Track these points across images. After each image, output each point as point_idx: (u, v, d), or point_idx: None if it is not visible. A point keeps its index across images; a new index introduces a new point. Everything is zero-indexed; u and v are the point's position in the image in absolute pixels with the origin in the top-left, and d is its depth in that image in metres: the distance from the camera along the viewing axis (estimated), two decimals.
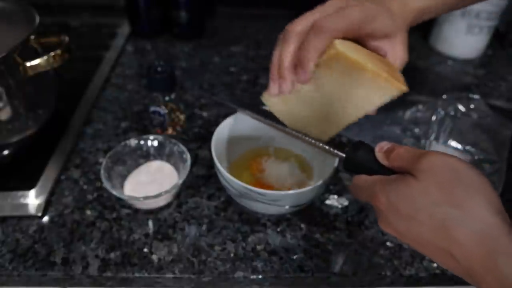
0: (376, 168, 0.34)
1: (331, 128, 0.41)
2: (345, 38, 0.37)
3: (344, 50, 0.35)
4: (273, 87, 0.39)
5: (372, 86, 0.36)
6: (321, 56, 0.36)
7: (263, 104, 0.42)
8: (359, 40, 0.39)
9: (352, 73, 0.36)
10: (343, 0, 0.37)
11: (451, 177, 0.27)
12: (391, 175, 0.31)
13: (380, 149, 0.34)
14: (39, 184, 0.50)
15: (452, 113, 0.62)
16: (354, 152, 0.36)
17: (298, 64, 0.37)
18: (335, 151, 0.38)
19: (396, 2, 0.39)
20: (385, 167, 0.33)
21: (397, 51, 0.39)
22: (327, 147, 0.39)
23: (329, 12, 0.36)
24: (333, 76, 0.37)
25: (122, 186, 0.50)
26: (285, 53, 0.37)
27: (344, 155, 0.37)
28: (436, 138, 0.58)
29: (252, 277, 0.44)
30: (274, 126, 0.44)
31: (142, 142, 0.53)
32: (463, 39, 0.81)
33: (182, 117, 0.60)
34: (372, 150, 0.35)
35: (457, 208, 0.26)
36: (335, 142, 0.40)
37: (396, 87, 0.36)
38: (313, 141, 0.41)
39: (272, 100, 0.42)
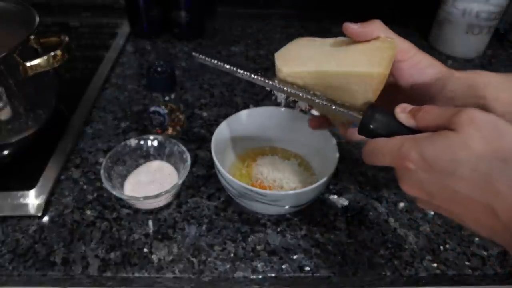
0: (399, 130, 0.32)
1: (301, 65, 0.39)
2: None
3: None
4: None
5: (374, 54, 0.37)
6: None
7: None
8: None
9: (373, 44, 0.38)
10: None
11: (493, 130, 0.27)
12: (419, 134, 0.30)
13: (403, 109, 0.32)
14: (39, 184, 0.50)
15: None
16: (372, 114, 0.34)
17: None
18: (350, 113, 0.36)
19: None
20: (407, 129, 0.32)
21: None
22: (342, 109, 0.37)
23: None
24: (360, 48, 0.38)
25: (122, 186, 0.50)
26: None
27: (360, 117, 0.35)
28: None
29: (252, 277, 0.44)
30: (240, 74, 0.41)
31: (142, 142, 0.53)
32: (463, 39, 0.81)
33: (182, 117, 0.60)
34: (390, 113, 0.33)
35: (502, 161, 0.26)
36: (345, 104, 0.37)
37: (382, 70, 0.36)
38: (324, 103, 0.38)
39: (300, 40, 0.42)
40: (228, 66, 0.41)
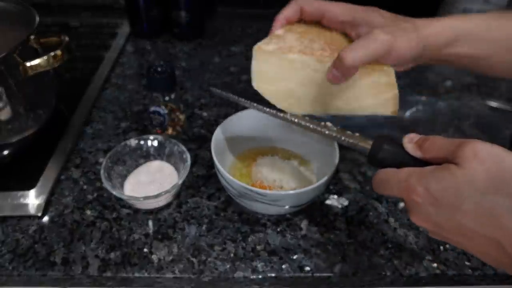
0: (405, 161, 0.32)
1: (304, 107, 0.42)
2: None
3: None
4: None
5: (379, 96, 0.39)
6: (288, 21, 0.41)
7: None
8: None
9: (372, 77, 0.39)
10: None
11: (497, 165, 0.27)
12: (426, 167, 0.30)
13: (410, 140, 0.33)
14: (39, 184, 0.50)
15: (451, 113, 0.62)
16: (380, 145, 0.34)
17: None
18: (359, 144, 0.37)
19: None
20: (414, 159, 0.32)
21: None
22: (351, 141, 0.37)
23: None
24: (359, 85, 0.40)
25: (122, 186, 0.50)
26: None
27: (368, 148, 0.35)
28: None
29: (252, 277, 0.44)
30: (281, 117, 0.42)
31: (142, 142, 0.53)
32: None
33: (182, 117, 0.60)
34: (398, 143, 0.33)
35: (506, 196, 0.26)
36: (355, 135, 0.38)
37: (393, 110, 0.40)
38: (334, 135, 0.39)
39: (264, 57, 0.40)
40: (243, 100, 0.43)
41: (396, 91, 0.40)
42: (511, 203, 0.26)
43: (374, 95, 0.40)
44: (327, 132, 0.39)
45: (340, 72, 0.37)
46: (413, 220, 0.31)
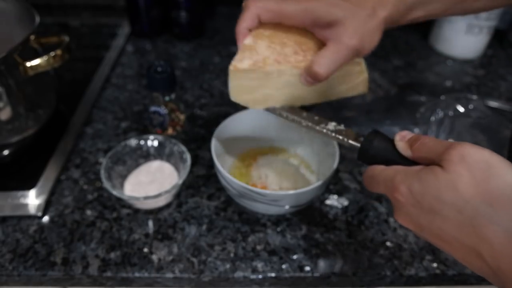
0: (395, 159, 0.32)
1: (287, 101, 0.43)
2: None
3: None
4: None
5: (351, 81, 0.43)
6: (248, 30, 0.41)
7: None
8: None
9: (344, 70, 0.41)
10: None
11: (484, 170, 0.25)
12: (413, 166, 0.30)
13: (402, 138, 0.32)
14: (39, 184, 0.50)
15: (451, 113, 0.62)
16: (370, 142, 0.34)
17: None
18: (349, 142, 0.37)
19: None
20: (404, 158, 0.32)
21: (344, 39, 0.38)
22: (340, 137, 0.38)
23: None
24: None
25: (122, 186, 0.51)
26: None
27: (359, 145, 0.35)
28: None
29: (252, 277, 0.44)
30: (288, 118, 0.43)
31: (142, 142, 0.53)
32: (463, 39, 0.81)
33: (182, 117, 0.60)
34: (389, 140, 0.33)
35: (488, 205, 0.25)
36: (348, 131, 0.38)
37: (364, 90, 0.43)
38: (325, 131, 0.39)
39: (241, 74, 0.40)
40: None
41: (365, 75, 0.42)
42: (494, 212, 0.25)
43: (346, 82, 0.43)
44: (317, 128, 0.40)
45: (314, 80, 0.39)
46: (396, 218, 0.31)
